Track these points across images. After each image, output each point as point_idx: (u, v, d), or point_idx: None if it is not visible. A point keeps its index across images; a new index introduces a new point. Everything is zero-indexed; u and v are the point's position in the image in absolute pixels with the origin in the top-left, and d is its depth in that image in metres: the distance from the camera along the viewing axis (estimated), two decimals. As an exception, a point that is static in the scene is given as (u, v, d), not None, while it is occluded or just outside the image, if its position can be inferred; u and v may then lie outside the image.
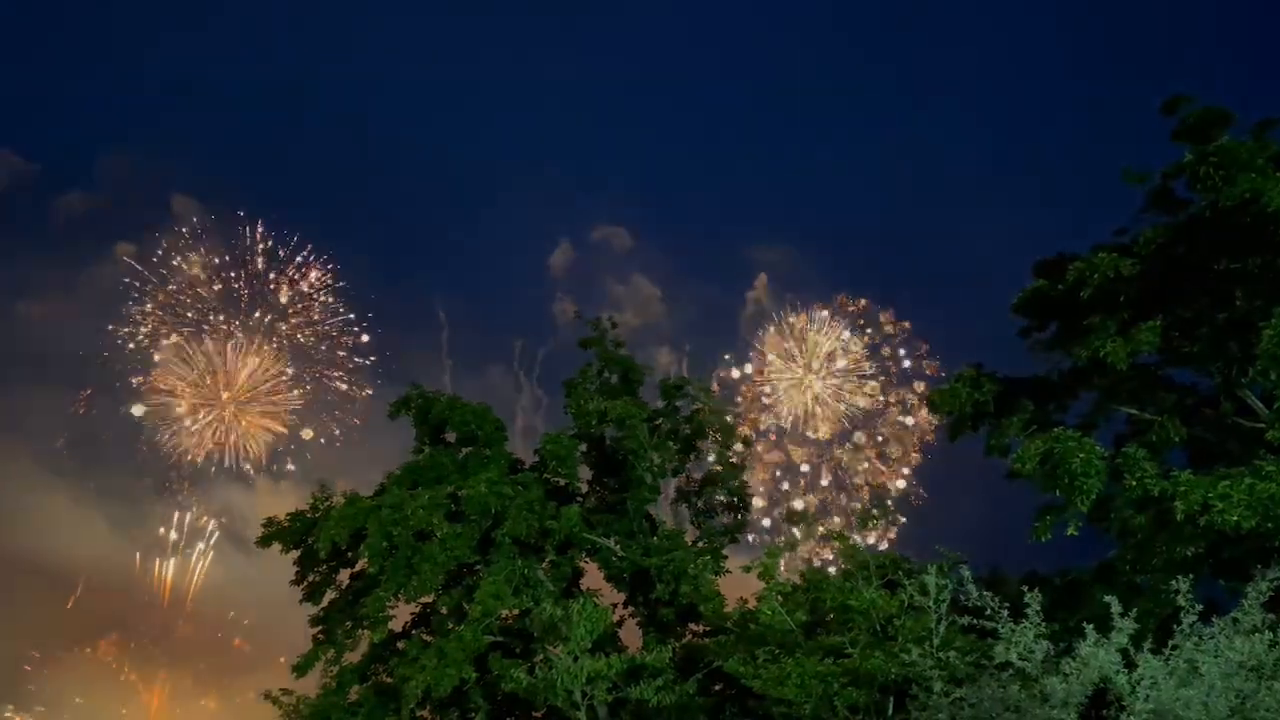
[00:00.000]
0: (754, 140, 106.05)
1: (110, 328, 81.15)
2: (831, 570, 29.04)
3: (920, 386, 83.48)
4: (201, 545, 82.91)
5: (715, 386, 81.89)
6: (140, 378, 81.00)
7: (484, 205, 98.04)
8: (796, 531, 32.34)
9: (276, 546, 30.46)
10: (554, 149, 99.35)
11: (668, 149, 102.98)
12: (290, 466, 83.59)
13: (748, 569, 26.57)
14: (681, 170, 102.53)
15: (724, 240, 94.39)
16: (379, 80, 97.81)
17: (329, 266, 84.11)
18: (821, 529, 30.87)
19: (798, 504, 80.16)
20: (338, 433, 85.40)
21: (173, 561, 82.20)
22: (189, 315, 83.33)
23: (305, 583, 30.59)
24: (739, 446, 34.03)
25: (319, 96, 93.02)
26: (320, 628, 30.26)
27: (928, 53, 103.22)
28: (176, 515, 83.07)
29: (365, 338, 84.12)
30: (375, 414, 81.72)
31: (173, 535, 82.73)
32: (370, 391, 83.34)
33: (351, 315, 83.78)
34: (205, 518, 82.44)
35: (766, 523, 77.88)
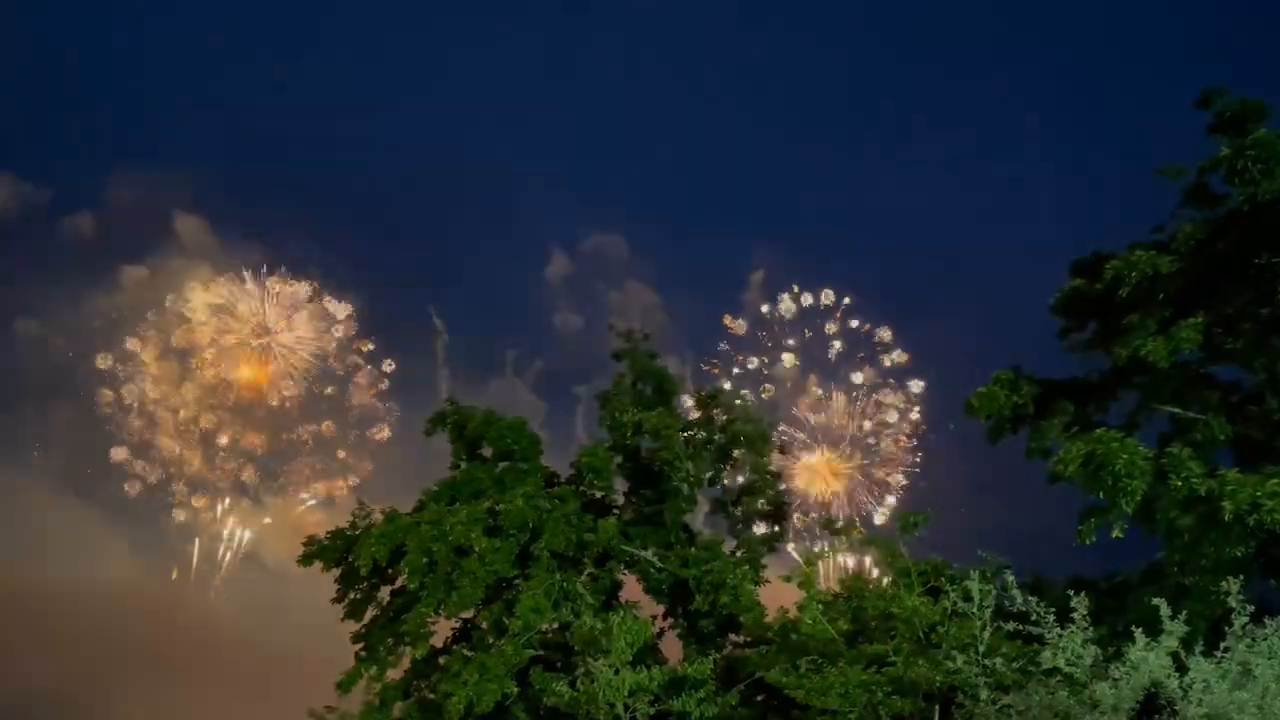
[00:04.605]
0: (751, 145, 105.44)
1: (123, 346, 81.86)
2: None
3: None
4: (225, 558, 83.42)
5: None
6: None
7: (477, 214, 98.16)
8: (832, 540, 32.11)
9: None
10: (546, 157, 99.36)
11: (662, 155, 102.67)
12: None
13: (788, 579, 26.41)
14: (677, 176, 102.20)
15: (722, 246, 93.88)
16: (374, 94, 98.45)
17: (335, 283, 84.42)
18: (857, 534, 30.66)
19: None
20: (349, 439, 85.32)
21: (197, 581, 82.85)
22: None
23: (346, 600, 30.79)
24: (775, 455, 33.90)
25: (317, 114, 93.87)
26: (362, 644, 30.42)
27: (929, 58, 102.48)
28: (196, 534, 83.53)
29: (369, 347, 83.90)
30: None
31: (194, 555, 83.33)
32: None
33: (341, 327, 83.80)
34: (225, 532, 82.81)
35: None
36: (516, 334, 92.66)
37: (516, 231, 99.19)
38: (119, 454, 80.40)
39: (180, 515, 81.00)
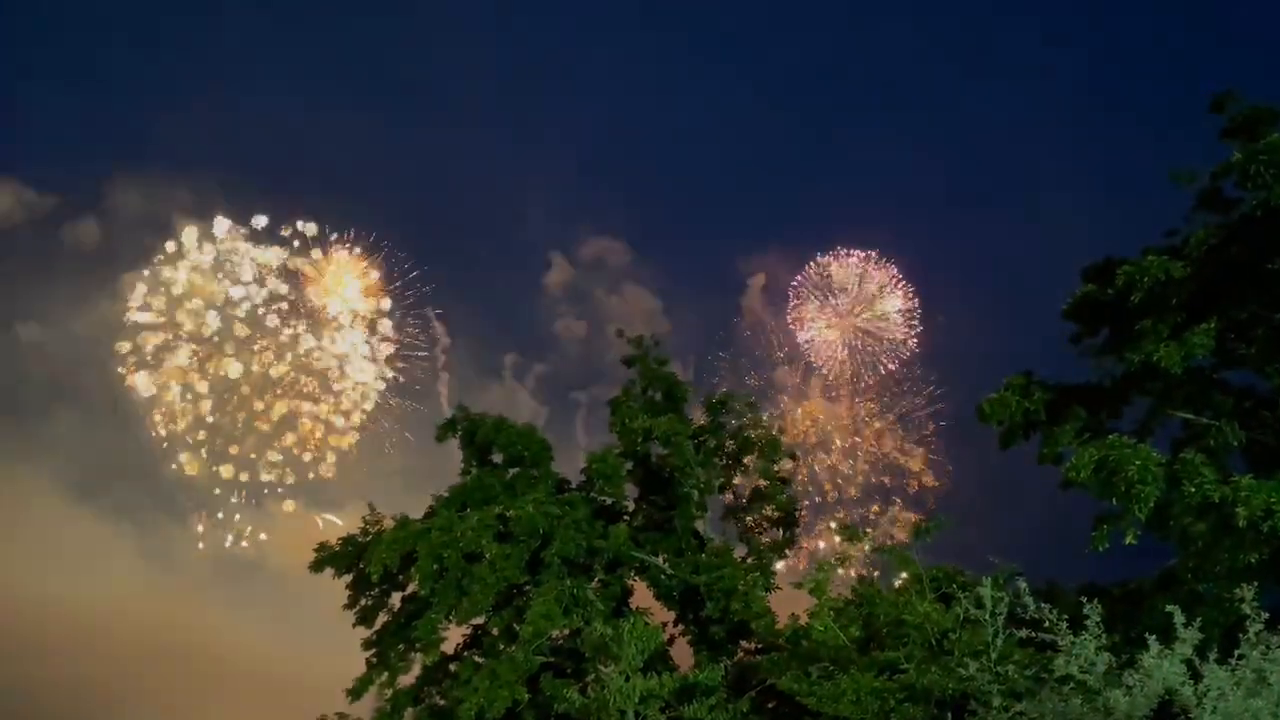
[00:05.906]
0: (750, 148, 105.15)
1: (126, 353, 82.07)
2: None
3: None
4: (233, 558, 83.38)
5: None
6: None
7: (477, 220, 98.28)
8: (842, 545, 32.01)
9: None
10: (546, 163, 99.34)
11: (661, 160, 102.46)
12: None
13: (799, 585, 26.35)
14: (676, 181, 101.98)
15: (722, 250, 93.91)
16: (375, 99, 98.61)
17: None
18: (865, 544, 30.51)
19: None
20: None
21: (204, 587, 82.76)
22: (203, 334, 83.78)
23: (358, 606, 30.84)
24: (786, 461, 33.85)
25: (317, 120, 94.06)
26: (373, 651, 30.48)
27: (932, 56, 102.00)
28: (201, 541, 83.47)
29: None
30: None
31: (200, 556, 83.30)
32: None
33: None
34: (236, 540, 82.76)
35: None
36: (517, 339, 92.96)
37: (516, 237, 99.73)
38: (129, 458, 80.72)
39: (188, 521, 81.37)
